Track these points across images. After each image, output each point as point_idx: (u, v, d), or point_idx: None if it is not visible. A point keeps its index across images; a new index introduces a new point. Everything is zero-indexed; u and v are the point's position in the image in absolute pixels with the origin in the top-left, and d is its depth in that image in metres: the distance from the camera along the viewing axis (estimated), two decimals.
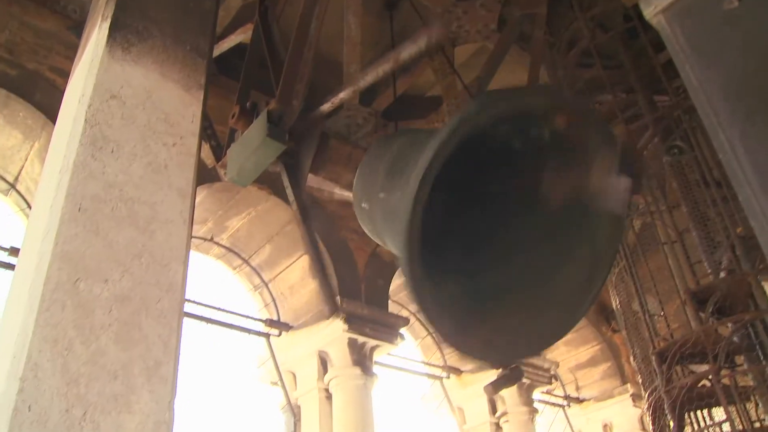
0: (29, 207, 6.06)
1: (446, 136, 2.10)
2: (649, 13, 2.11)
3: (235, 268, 7.86)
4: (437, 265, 2.23)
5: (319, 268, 3.25)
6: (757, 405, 4.44)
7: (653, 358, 4.57)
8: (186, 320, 2.63)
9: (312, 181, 3.68)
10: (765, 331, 4.42)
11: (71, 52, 4.76)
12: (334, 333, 6.91)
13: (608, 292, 5.78)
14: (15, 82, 5.66)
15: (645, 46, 5.08)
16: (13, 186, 6.27)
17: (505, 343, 2.42)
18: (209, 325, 6.92)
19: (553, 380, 9.30)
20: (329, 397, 6.88)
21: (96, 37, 2.94)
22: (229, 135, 3.99)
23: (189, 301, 6.42)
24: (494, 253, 2.62)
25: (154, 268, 2.39)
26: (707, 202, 4.64)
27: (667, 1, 2.02)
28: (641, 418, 9.42)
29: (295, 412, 7.12)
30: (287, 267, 7.61)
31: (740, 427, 4.31)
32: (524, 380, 8.00)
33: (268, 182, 6.49)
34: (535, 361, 8.81)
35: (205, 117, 3.29)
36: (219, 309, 7.07)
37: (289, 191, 3.63)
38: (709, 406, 4.49)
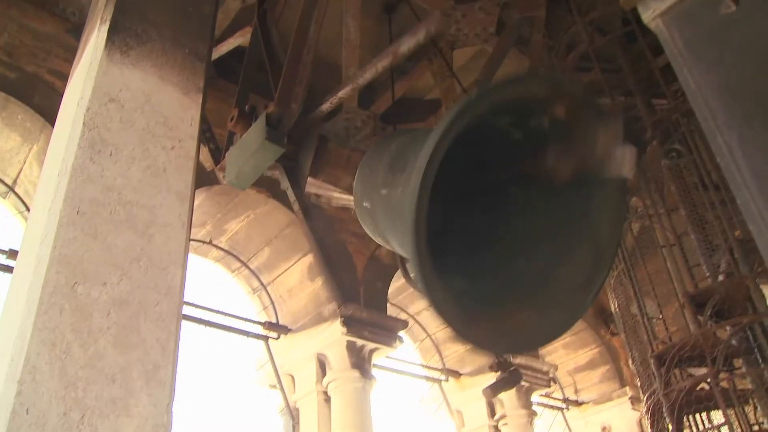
0: (28, 210, 6.05)
1: (447, 126, 2.10)
2: (647, 17, 2.12)
3: (233, 271, 7.86)
4: (439, 264, 2.23)
5: (324, 264, 3.25)
6: (755, 408, 4.44)
7: (652, 361, 4.57)
8: (184, 323, 2.63)
9: (311, 184, 3.68)
10: (763, 335, 4.42)
11: (70, 55, 4.76)
12: (332, 336, 6.90)
13: (607, 295, 5.78)
14: (14, 85, 5.66)
15: (643, 49, 5.09)
16: (11, 188, 6.27)
17: (508, 336, 2.44)
18: (208, 327, 6.91)
19: (552, 383, 9.30)
20: (328, 399, 6.88)
21: (95, 40, 2.94)
22: (228, 138, 3.99)
23: (188, 303, 6.42)
24: (495, 252, 2.63)
25: (152, 272, 2.38)
26: (706, 206, 4.64)
27: (665, 5, 2.03)
28: (640, 421, 9.42)
29: (293, 415, 7.11)
30: (286, 270, 7.61)
31: (739, 430, 4.31)
32: (523, 383, 7.98)
33: (266, 185, 6.49)
34: (533, 364, 8.81)
35: (204, 120, 3.30)
36: (218, 312, 7.06)
37: (289, 192, 3.63)
38: (708, 410, 4.49)
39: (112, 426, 2.05)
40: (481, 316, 2.37)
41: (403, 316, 8.74)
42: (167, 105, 2.83)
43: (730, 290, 4.35)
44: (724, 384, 4.29)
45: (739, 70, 1.86)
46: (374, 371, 7.16)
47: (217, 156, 4.36)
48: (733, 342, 4.42)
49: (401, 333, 7.47)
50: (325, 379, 6.92)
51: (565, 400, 10.30)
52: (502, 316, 2.40)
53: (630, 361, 5.50)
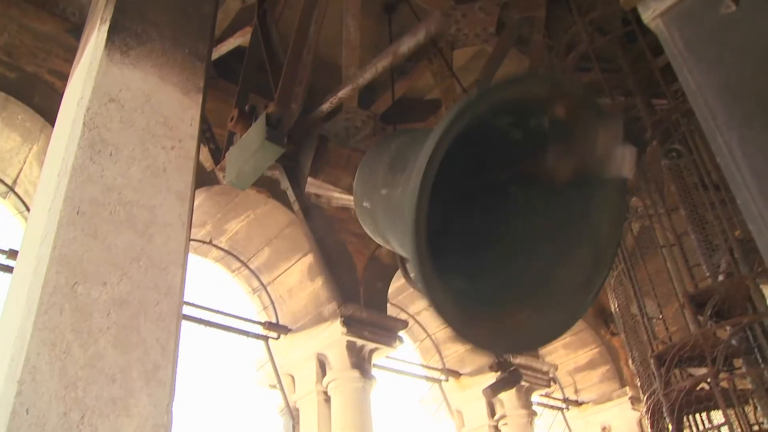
0: (28, 209, 6.05)
1: (447, 126, 2.10)
2: (647, 17, 2.12)
3: (233, 271, 7.86)
4: (439, 264, 2.24)
5: (324, 264, 3.24)
6: (755, 408, 4.44)
7: (652, 361, 4.57)
8: (184, 323, 2.63)
9: (311, 185, 3.68)
10: (763, 335, 4.42)
11: (70, 55, 4.76)
12: (332, 336, 6.90)
13: (607, 295, 5.78)
14: (14, 85, 5.67)
15: (643, 49, 5.09)
16: (11, 188, 6.27)
17: (508, 336, 2.44)
18: (208, 327, 6.91)
19: (552, 383, 9.30)
20: (328, 399, 6.88)
21: (95, 40, 2.94)
22: (228, 138, 3.99)
23: (188, 303, 6.42)
24: (495, 252, 2.64)
25: (152, 272, 2.38)
26: (706, 206, 4.64)
27: (665, 5, 2.03)
28: (640, 421, 9.42)
29: (293, 415, 7.11)
30: (286, 270, 7.61)
31: (739, 430, 4.31)
32: (523, 383, 7.98)
33: (266, 185, 6.49)
34: (533, 364, 8.81)
35: (204, 120, 3.29)
36: (218, 312, 7.06)
37: (289, 192, 3.63)
38: (708, 410, 4.49)
39: (112, 426, 2.05)
40: (481, 316, 2.37)
41: (403, 316, 8.74)
42: (167, 105, 2.83)
43: (730, 290, 4.35)
44: (724, 384, 4.29)
45: (739, 70, 1.86)
46: (374, 371, 7.16)
47: (217, 156, 4.36)
48: (733, 342, 4.42)
49: (401, 333, 7.48)
50: (325, 379, 6.92)
51: (565, 400, 10.30)
52: (502, 316, 2.40)
53: (630, 361, 5.50)
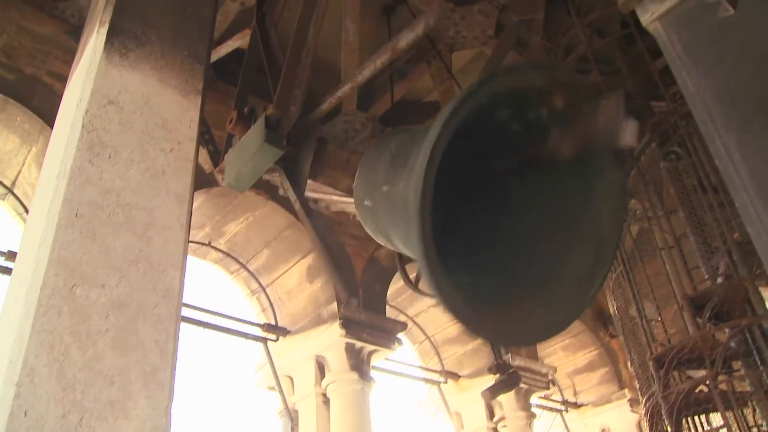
0: (26, 211, 6.05)
1: (450, 115, 2.11)
2: (645, 20, 2.13)
3: (232, 273, 7.85)
4: (443, 260, 2.24)
5: (326, 261, 3.24)
6: (754, 410, 4.44)
7: (650, 363, 4.56)
8: (183, 325, 2.62)
9: (310, 188, 3.68)
10: (762, 337, 4.42)
11: (69, 56, 4.76)
12: (331, 338, 6.90)
13: (606, 298, 5.78)
14: (13, 87, 5.66)
15: (642, 52, 5.09)
16: (10, 190, 6.27)
17: (513, 330, 2.45)
18: (207, 329, 6.91)
19: (551, 385, 9.30)
20: (327, 402, 6.87)
21: (94, 43, 2.94)
22: (227, 140, 3.99)
23: (186, 305, 6.41)
24: (497, 247, 2.65)
25: (151, 274, 2.38)
26: (704, 208, 4.64)
27: (663, 8, 2.04)
28: (639, 423, 9.42)
29: (292, 416, 7.11)
30: (285, 272, 7.61)
31: None
32: (522, 385, 7.99)
33: (266, 187, 6.49)
34: (532, 366, 8.81)
35: (203, 122, 3.30)
36: (216, 313, 7.06)
37: (290, 192, 3.62)
38: (707, 412, 4.49)
39: (111, 428, 2.05)
40: (485, 309, 2.38)
41: (402, 318, 8.74)
42: (166, 107, 2.83)
43: (729, 292, 4.35)
44: (722, 386, 4.29)
45: (737, 73, 1.87)
46: (373, 373, 7.15)
47: (216, 158, 4.36)
48: (732, 344, 4.42)
49: (400, 335, 7.47)
50: (324, 381, 6.92)
51: (564, 402, 10.30)
52: (505, 310, 2.41)
53: (629, 364, 5.50)
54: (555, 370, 9.46)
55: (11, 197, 6.27)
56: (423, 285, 4.41)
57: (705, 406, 4.38)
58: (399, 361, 8.68)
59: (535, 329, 2.46)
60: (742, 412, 4.38)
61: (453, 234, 2.62)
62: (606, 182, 2.50)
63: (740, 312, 4.38)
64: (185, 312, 6.24)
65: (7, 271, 5.58)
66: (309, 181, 3.64)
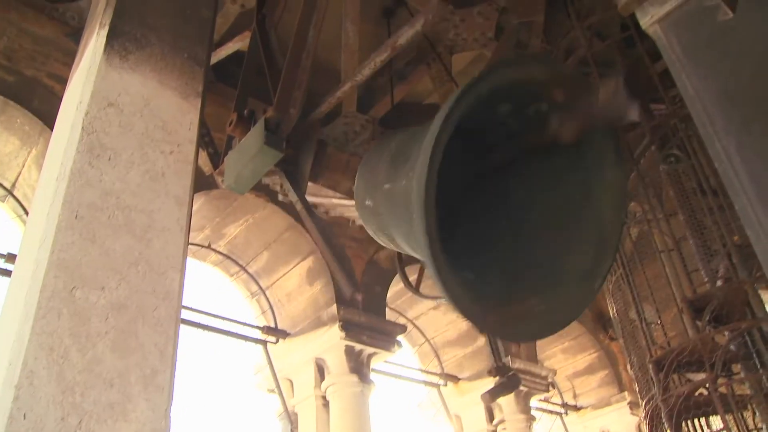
0: (26, 213, 6.05)
1: (452, 107, 2.12)
2: (645, 23, 2.13)
3: (232, 275, 7.85)
4: (447, 257, 2.24)
5: (330, 259, 3.23)
6: (754, 414, 4.43)
7: (650, 366, 4.56)
8: (183, 327, 2.62)
9: (310, 190, 3.68)
10: (762, 340, 4.41)
11: (69, 58, 4.76)
12: (331, 340, 6.90)
13: (605, 300, 5.78)
14: (13, 89, 5.67)
15: (642, 54, 5.09)
16: (10, 192, 6.27)
17: (518, 324, 2.46)
18: (206, 332, 6.90)
19: (551, 388, 9.29)
20: (326, 404, 6.87)
21: (94, 45, 2.94)
22: (227, 142, 3.99)
23: (186, 308, 6.41)
24: (499, 245, 2.67)
25: (150, 276, 2.38)
26: (704, 211, 4.63)
27: (663, 11, 2.04)
28: (638, 426, 9.41)
29: (292, 419, 7.10)
30: (285, 274, 7.61)
31: None
32: (521, 388, 7.98)
33: (265, 189, 6.48)
34: (532, 368, 8.80)
35: (203, 124, 3.30)
36: (216, 316, 7.06)
37: (291, 193, 3.62)
38: (707, 415, 4.48)
39: (110, 431, 2.05)
40: (490, 306, 2.39)
41: (401, 320, 8.74)
42: (166, 109, 2.83)
43: (729, 295, 4.34)
44: (722, 389, 4.29)
45: (736, 76, 1.87)
46: (373, 376, 7.15)
47: (216, 160, 4.36)
48: (732, 347, 4.41)
49: (400, 337, 7.47)
50: (324, 384, 6.91)
51: (564, 405, 10.30)
52: (510, 305, 2.42)
53: (628, 366, 5.49)
54: (555, 372, 9.46)
55: (11, 199, 6.27)
56: (423, 288, 4.41)
57: (705, 409, 4.37)
58: (399, 363, 8.68)
59: (540, 325, 2.47)
60: (741, 415, 4.37)
61: (455, 233, 2.63)
62: (606, 179, 2.52)
63: (740, 315, 4.37)
64: (185, 314, 6.24)
65: (7, 273, 5.57)
66: (308, 185, 3.64)
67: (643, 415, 4.84)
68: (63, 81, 5.00)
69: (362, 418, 6.71)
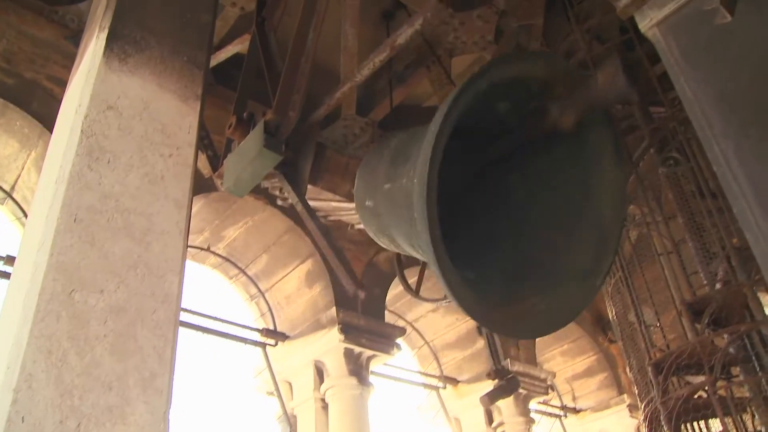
0: (25, 216, 6.05)
1: (452, 102, 2.12)
2: (644, 26, 2.13)
3: (231, 278, 7.85)
4: (450, 256, 2.25)
5: (331, 258, 3.23)
6: (753, 416, 4.43)
7: (649, 369, 4.55)
8: (182, 330, 2.62)
9: (309, 194, 3.68)
10: (761, 343, 4.41)
11: (69, 61, 4.76)
12: (330, 343, 6.89)
13: (604, 303, 5.78)
14: (12, 91, 5.67)
15: (641, 58, 5.09)
16: (9, 195, 6.27)
17: (521, 322, 2.47)
18: (205, 334, 6.90)
19: (550, 390, 9.29)
20: (325, 407, 6.86)
21: (93, 48, 2.94)
22: (226, 145, 3.99)
23: (185, 310, 6.41)
24: (500, 243, 2.67)
25: (149, 279, 2.38)
26: (703, 214, 4.64)
27: (661, 14, 2.04)
28: (638, 428, 9.40)
29: (291, 422, 7.10)
30: (284, 277, 7.60)
31: None
32: (521, 390, 7.98)
33: (264, 192, 6.47)
34: (531, 371, 8.80)
35: (202, 127, 3.30)
36: (215, 318, 7.05)
37: (291, 194, 3.62)
38: (706, 418, 4.48)
39: None
40: (492, 303, 2.40)
41: (400, 323, 8.74)
42: (165, 112, 2.83)
43: (728, 298, 4.34)
44: (721, 392, 4.28)
45: (735, 80, 1.87)
46: (372, 378, 7.14)
47: (216, 163, 4.36)
48: (731, 350, 4.41)
49: (399, 340, 7.47)
50: (323, 386, 6.91)
51: (563, 408, 10.29)
52: (512, 303, 2.43)
53: (628, 369, 5.49)
54: (554, 375, 9.45)
55: (10, 202, 6.27)
56: (422, 290, 4.41)
57: (704, 411, 4.37)
58: (398, 366, 8.68)
59: (541, 323, 2.48)
60: (741, 417, 4.36)
61: (456, 233, 2.64)
62: (606, 179, 2.53)
63: (739, 318, 4.37)
64: (184, 317, 6.24)
65: (6, 275, 5.57)
66: (308, 189, 3.64)
67: (642, 417, 4.84)
68: (62, 84, 5.00)
69: (361, 420, 6.71)
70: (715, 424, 4.49)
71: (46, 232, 2.32)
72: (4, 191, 6.26)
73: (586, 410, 10.23)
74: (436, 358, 9.50)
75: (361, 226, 3.65)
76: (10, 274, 4.66)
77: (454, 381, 9.15)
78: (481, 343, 8.89)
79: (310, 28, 3.67)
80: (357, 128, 4.07)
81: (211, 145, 4.63)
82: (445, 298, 4.14)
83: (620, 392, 9.98)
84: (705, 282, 4.61)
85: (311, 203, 3.72)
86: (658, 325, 4.93)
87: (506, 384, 5.93)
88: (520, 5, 4.57)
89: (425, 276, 4.46)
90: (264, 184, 3.79)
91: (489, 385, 6.82)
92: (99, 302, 2.23)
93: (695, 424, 4.53)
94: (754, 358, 4.42)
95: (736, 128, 1.84)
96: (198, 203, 6.50)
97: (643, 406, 4.81)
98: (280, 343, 7.37)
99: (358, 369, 6.89)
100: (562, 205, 2.59)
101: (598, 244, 2.51)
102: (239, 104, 4.09)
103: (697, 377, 4.48)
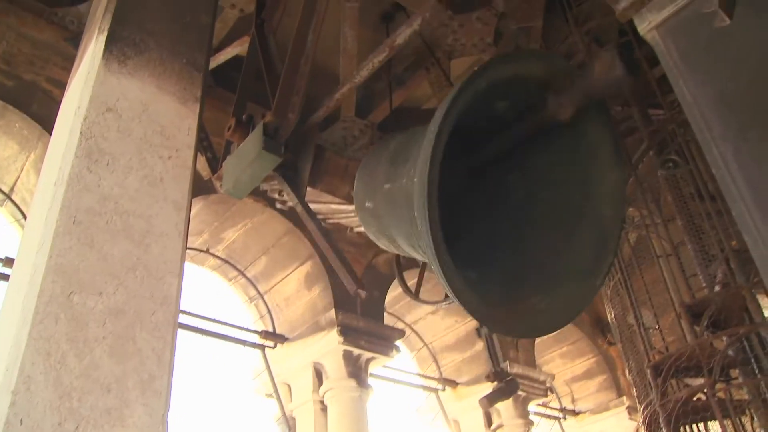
0: (24, 217, 6.05)
1: (449, 104, 2.12)
2: (643, 28, 2.13)
3: (230, 280, 7.85)
4: (451, 256, 2.25)
5: (332, 258, 3.22)
6: (752, 419, 4.43)
7: (648, 371, 4.56)
8: (181, 332, 2.63)
9: (308, 196, 3.68)
10: (760, 345, 4.41)
11: (68, 63, 4.76)
12: (329, 345, 6.89)
13: (603, 305, 5.78)
14: (12, 93, 5.67)
15: (640, 60, 5.10)
16: (8, 196, 6.27)
17: (523, 321, 2.47)
18: (204, 336, 6.90)
19: (549, 392, 9.28)
20: (324, 409, 6.86)
21: (92, 50, 2.94)
22: (226, 147, 3.99)
23: (184, 312, 6.41)
24: (501, 243, 2.68)
25: (148, 282, 2.38)
26: (702, 216, 4.64)
27: (660, 17, 2.05)
28: (637, 430, 9.40)
29: (290, 424, 7.09)
30: (283, 279, 7.60)
31: None
32: (520, 393, 7.97)
33: (264, 194, 6.48)
34: (530, 373, 8.80)
35: (202, 129, 3.30)
36: (214, 320, 7.05)
37: (291, 196, 3.62)
38: (705, 420, 4.48)
39: None
40: (493, 303, 2.40)
41: (399, 325, 8.73)
42: (164, 114, 2.83)
43: (727, 300, 4.34)
44: (720, 394, 4.28)
45: (734, 82, 1.88)
46: (371, 380, 7.14)
47: (215, 165, 4.36)
48: (730, 352, 4.41)
49: (398, 342, 7.47)
50: (322, 389, 6.91)
51: (562, 410, 10.29)
52: (513, 302, 2.43)
53: (627, 371, 5.49)
54: (553, 377, 9.45)
55: (9, 203, 6.27)
56: (421, 292, 4.41)
57: (703, 414, 4.37)
58: (397, 368, 8.67)
59: (542, 322, 2.49)
60: (740, 420, 4.36)
61: (456, 234, 2.65)
62: (605, 179, 2.53)
63: (738, 320, 4.38)
64: (183, 319, 6.23)
65: (5, 277, 5.57)
66: (307, 190, 3.64)
67: (641, 420, 4.84)
68: (62, 85, 5.00)
69: (360, 422, 6.70)
70: (714, 426, 4.49)
71: (45, 233, 2.32)
72: (3, 193, 6.26)
73: (585, 412, 10.23)
74: (435, 361, 9.50)
75: (361, 229, 3.66)
76: (8, 275, 4.65)
77: (453, 383, 9.15)
78: (480, 345, 8.89)
79: (309, 29, 3.67)
80: (356, 130, 4.08)
81: (210, 147, 4.63)
82: (444, 300, 4.15)
83: (619, 394, 9.98)
84: (704, 284, 4.62)
85: (310, 206, 3.72)
86: (657, 327, 4.93)
87: (505, 386, 5.92)
88: (520, 7, 4.57)
89: (424, 278, 4.47)
90: (263, 186, 3.79)
91: (488, 387, 6.81)
92: (98, 304, 2.23)
93: (694, 426, 4.53)
94: (753, 360, 4.42)
95: (735, 131, 1.84)
96: (197, 205, 6.49)
97: (642, 409, 4.81)
98: (279, 345, 7.37)
99: (357, 371, 6.89)
100: (562, 205, 2.60)
101: (598, 243, 2.51)
102: (238, 106, 4.10)
103: (696, 380, 4.48)
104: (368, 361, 7.07)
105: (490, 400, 6.02)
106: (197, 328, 6.82)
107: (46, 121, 5.62)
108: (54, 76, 5.86)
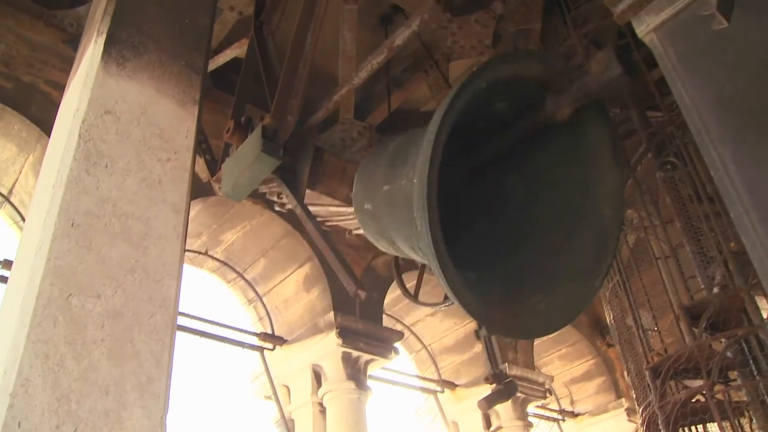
0: (23, 220, 6.04)
1: (448, 105, 2.12)
2: (641, 31, 2.14)
3: (229, 282, 7.84)
4: (451, 256, 2.25)
5: (331, 259, 3.21)
6: (750, 420, 4.43)
7: (647, 373, 4.56)
8: (180, 334, 2.63)
9: (307, 199, 3.68)
10: (759, 347, 4.42)
11: (67, 65, 4.76)
12: (328, 347, 6.89)
13: (602, 307, 5.79)
14: (10, 95, 5.67)
15: (638, 62, 5.10)
16: (7, 198, 6.26)
17: (523, 322, 2.48)
18: (203, 338, 6.89)
19: (548, 394, 9.28)
20: (323, 411, 6.85)
21: (91, 52, 2.94)
22: (224, 149, 3.99)
23: (183, 314, 6.40)
24: (500, 244, 2.68)
25: (147, 284, 2.38)
26: (701, 218, 4.65)
27: (658, 20, 2.05)
28: None
29: (288, 426, 7.08)
30: (282, 281, 7.60)
31: None
32: (519, 394, 7.97)
33: (262, 196, 6.48)
34: (529, 375, 8.80)
35: (200, 131, 3.30)
36: (213, 323, 7.04)
37: (290, 198, 3.62)
38: (703, 422, 4.48)
39: None
40: (493, 303, 2.40)
41: (398, 327, 8.73)
42: (163, 117, 2.83)
43: (725, 302, 4.35)
44: (719, 396, 4.29)
45: (732, 85, 1.88)
46: (370, 382, 7.13)
47: (213, 167, 4.36)
48: (729, 354, 4.42)
49: (397, 344, 7.46)
50: (321, 391, 6.90)
51: (561, 412, 10.28)
52: (512, 304, 2.44)
53: (625, 373, 5.50)
54: (552, 379, 9.45)
55: (8, 206, 6.26)
56: (420, 295, 4.41)
57: (701, 416, 4.37)
58: (396, 370, 8.67)
59: (542, 323, 2.49)
60: (738, 422, 4.37)
61: (456, 235, 2.65)
62: (604, 180, 2.54)
63: (736, 322, 4.38)
64: (182, 321, 6.23)
65: (3, 280, 5.56)
66: (306, 193, 3.64)
67: (640, 421, 4.84)
68: (60, 88, 4.99)
69: (359, 424, 6.70)
70: (713, 428, 4.49)
71: (43, 236, 2.32)
72: (2, 195, 6.25)
73: (584, 414, 10.23)
74: (434, 362, 9.49)
75: (360, 231, 3.65)
76: (7, 278, 4.65)
77: (452, 385, 9.14)
78: (479, 347, 8.89)
79: (308, 32, 3.68)
80: (355, 132, 4.07)
81: (209, 150, 4.63)
82: (443, 301, 4.14)
83: (618, 396, 9.97)
84: (702, 286, 4.62)
85: (309, 208, 3.72)
86: (656, 329, 4.94)
87: (504, 388, 5.92)
88: (518, 10, 4.58)
89: (423, 280, 4.46)
90: (262, 189, 3.79)
91: (487, 389, 6.81)
92: (96, 307, 2.23)
93: (693, 428, 4.53)
94: (751, 362, 4.42)
95: (733, 133, 1.84)
96: (196, 207, 6.49)
97: (641, 410, 4.82)
98: (277, 347, 7.36)
99: (355, 373, 6.89)
100: (561, 205, 2.60)
101: (598, 244, 2.52)
102: (237, 108, 4.10)
103: (695, 381, 4.49)
104: (367, 363, 7.07)
105: (489, 401, 6.01)
106: (196, 330, 6.81)
107: (44, 123, 5.61)
108: (53, 78, 5.85)
